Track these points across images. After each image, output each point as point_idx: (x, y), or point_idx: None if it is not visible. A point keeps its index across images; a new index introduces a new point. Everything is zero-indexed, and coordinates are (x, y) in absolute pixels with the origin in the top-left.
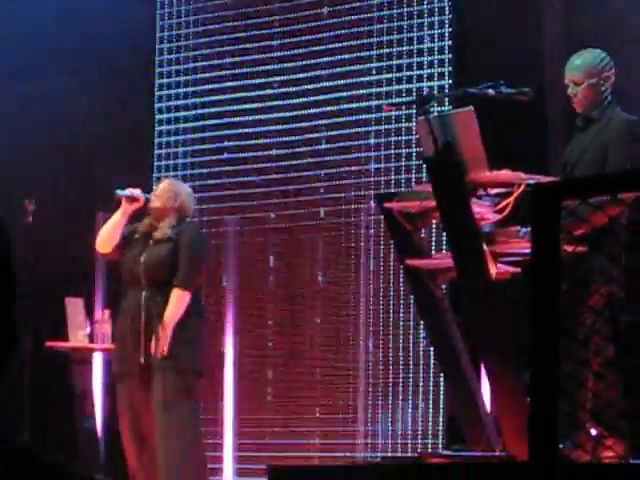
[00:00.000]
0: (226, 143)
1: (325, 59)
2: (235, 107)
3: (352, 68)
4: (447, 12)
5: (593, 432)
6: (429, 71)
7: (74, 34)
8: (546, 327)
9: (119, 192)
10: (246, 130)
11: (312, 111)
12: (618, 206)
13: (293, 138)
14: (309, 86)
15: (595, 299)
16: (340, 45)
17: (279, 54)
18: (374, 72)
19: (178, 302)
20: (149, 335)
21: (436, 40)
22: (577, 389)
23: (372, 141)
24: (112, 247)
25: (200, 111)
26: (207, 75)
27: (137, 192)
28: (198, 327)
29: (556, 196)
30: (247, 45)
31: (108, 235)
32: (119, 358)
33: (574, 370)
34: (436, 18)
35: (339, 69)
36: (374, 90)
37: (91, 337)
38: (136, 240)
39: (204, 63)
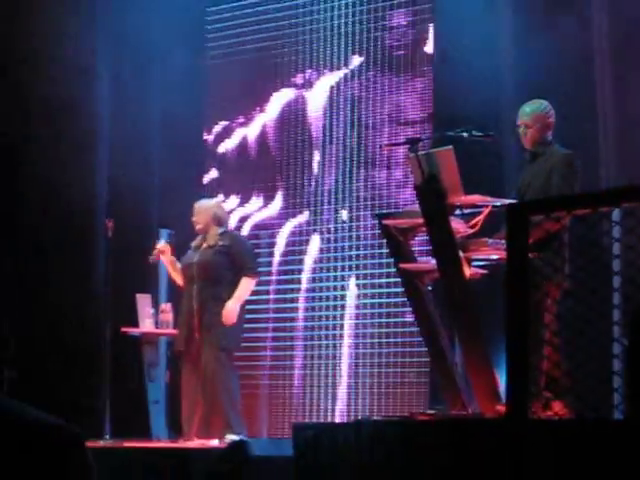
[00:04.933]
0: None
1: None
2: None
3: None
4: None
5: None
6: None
7: None
8: (519, 313)
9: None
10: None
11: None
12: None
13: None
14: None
15: (551, 290)
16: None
17: None
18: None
19: (246, 288)
20: (201, 318)
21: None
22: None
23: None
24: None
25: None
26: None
27: (159, 246)
28: (240, 313)
29: (525, 212)
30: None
31: (174, 277)
32: (181, 336)
33: (535, 347)
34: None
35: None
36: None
37: (156, 324)
38: (191, 250)
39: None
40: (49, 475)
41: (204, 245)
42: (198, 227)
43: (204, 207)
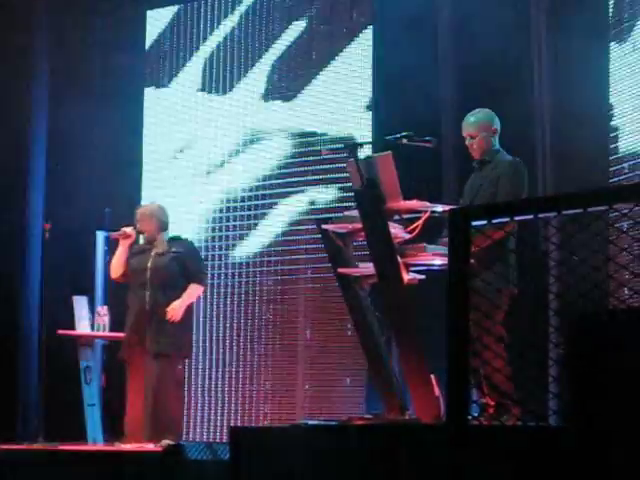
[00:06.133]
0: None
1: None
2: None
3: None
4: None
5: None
6: (354, 124)
7: None
8: (460, 318)
9: (113, 234)
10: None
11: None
12: (511, 225)
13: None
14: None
15: (498, 297)
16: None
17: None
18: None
19: (194, 292)
20: (152, 325)
21: (360, 99)
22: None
23: (311, 178)
24: (120, 274)
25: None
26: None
27: (127, 230)
28: (187, 320)
29: (468, 217)
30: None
31: (116, 266)
32: (127, 344)
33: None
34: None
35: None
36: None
37: (92, 326)
38: (137, 254)
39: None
40: None
41: (154, 251)
42: (146, 234)
43: (148, 213)
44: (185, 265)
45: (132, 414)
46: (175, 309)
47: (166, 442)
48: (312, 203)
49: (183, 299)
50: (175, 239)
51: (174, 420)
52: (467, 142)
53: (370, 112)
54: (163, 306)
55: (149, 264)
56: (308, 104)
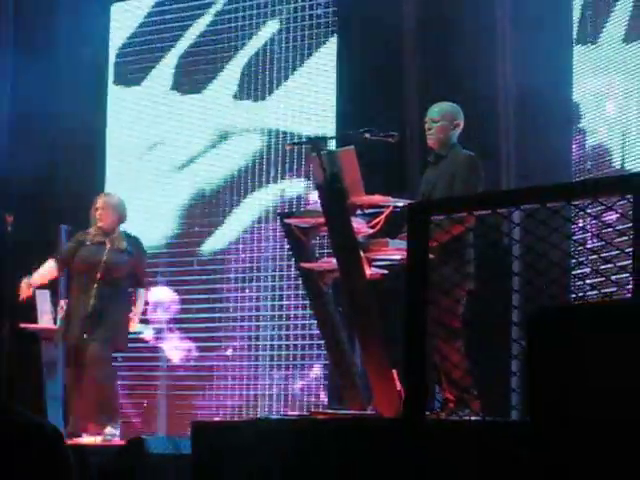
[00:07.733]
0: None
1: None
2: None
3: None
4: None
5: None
6: (317, 118)
7: None
8: (417, 313)
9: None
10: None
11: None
12: (470, 219)
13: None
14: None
15: (456, 292)
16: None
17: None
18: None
19: (144, 299)
20: (96, 317)
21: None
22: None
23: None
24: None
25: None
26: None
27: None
28: (125, 314)
29: (427, 212)
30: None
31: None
32: (69, 331)
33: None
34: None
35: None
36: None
37: (54, 320)
38: (89, 245)
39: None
40: (34, 472)
41: (109, 245)
42: (103, 224)
43: (112, 205)
44: (135, 267)
45: (75, 406)
46: (135, 325)
47: (111, 432)
48: (280, 198)
49: (138, 310)
50: (130, 237)
51: (117, 410)
52: (427, 126)
53: (334, 108)
54: (111, 302)
55: (104, 258)
56: (276, 103)
